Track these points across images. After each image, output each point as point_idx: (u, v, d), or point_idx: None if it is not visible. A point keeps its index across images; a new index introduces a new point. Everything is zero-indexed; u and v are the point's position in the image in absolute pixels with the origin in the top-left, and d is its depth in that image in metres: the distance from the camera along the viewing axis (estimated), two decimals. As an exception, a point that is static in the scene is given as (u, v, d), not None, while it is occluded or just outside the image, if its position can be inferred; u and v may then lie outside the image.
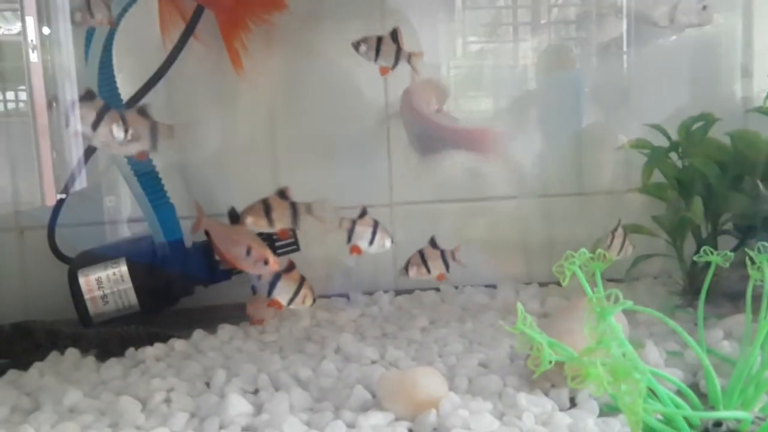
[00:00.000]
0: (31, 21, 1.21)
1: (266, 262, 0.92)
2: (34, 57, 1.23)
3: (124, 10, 1.06)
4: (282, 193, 0.98)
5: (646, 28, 1.35)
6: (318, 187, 1.29)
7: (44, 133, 1.27)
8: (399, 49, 1.03)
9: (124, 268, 1.14)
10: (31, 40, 1.23)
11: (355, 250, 1.04)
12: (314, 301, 0.97)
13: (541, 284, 1.32)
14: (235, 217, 1.05)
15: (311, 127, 1.34)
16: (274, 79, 1.34)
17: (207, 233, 1.12)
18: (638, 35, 1.38)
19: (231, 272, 1.19)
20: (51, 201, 1.28)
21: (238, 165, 1.33)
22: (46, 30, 1.23)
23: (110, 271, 1.14)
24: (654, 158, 1.14)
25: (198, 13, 1.18)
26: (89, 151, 1.21)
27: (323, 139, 1.35)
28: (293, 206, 0.99)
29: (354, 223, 1.03)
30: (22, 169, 1.30)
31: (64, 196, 1.22)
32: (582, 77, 1.42)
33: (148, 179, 1.16)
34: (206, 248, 1.18)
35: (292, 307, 0.96)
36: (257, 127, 1.34)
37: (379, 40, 1.04)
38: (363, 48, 1.04)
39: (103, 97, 1.05)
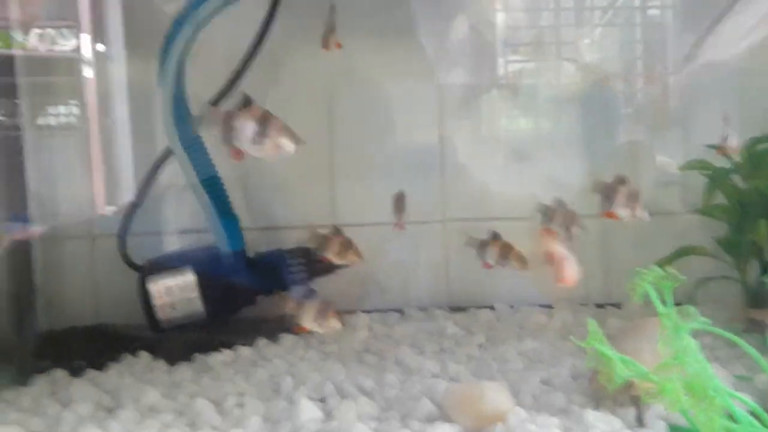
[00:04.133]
0: (86, 38, 1.29)
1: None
2: (88, 72, 1.31)
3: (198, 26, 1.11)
4: (337, 230, 1.06)
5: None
6: (372, 203, 1.33)
7: (96, 145, 1.34)
8: None
9: (191, 277, 1.19)
10: (86, 56, 1.30)
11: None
12: (341, 324, 0.96)
13: (598, 306, 1.31)
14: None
15: (367, 144, 1.38)
16: (332, 97, 1.38)
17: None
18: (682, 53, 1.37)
19: (291, 283, 1.23)
20: (102, 210, 1.35)
21: (296, 179, 1.38)
22: (100, 47, 1.30)
23: (178, 280, 1.19)
24: (716, 180, 1.13)
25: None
26: (159, 162, 1.26)
27: (378, 156, 1.38)
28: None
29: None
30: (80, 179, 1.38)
31: (130, 205, 1.28)
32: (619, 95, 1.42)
33: (214, 190, 1.21)
34: (268, 259, 1.23)
35: (319, 330, 0.95)
36: (315, 142, 1.38)
37: None
38: None
39: (179, 127, 1.12)
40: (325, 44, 1.10)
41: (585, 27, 1.44)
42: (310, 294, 0.99)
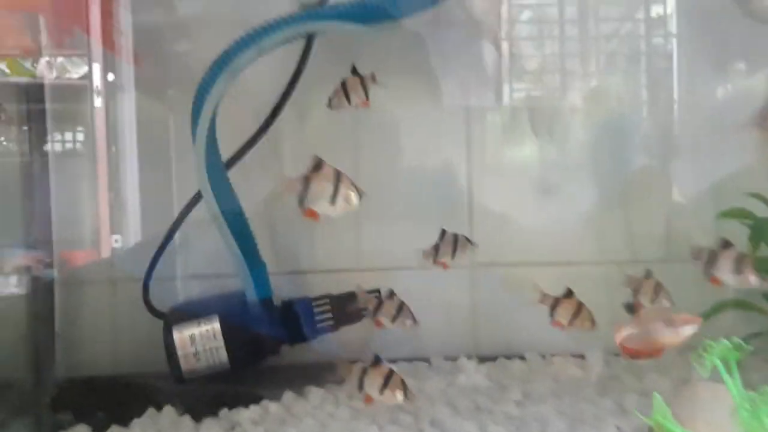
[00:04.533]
0: (97, 67, 1.29)
1: None
2: (98, 102, 1.31)
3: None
4: (391, 293, 1.06)
5: (698, 74, 1.34)
6: (397, 247, 1.31)
7: (103, 172, 1.33)
8: None
9: (216, 326, 1.15)
10: (96, 86, 1.30)
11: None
12: (406, 395, 0.93)
13: (632, 356, 1.27)
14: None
15: (392, 186, 1.36)
16: (356, 139, 1.37)
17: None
18: (691, 81, 1.36)
19: (315, 333, 1.20)
20: (106, 252, 1.33)
21: (321, 223, 1.35)
22: (110, 76, 1.31)
23: (203, 329, 1.16)
24: (760, 230, 1.10)
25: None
26: (188, 208, 1.24)
27: (405, 200, 1.36)
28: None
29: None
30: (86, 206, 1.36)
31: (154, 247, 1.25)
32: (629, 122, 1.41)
33: (243, 237, 1.19)
34: (294, 307, 1.19)
35: (383, 400, 0.93)
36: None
37: None
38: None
39: (211, 172, 1.10)
40: (338, 103, 1.09)
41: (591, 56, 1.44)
42: (376, 360, 0.95)
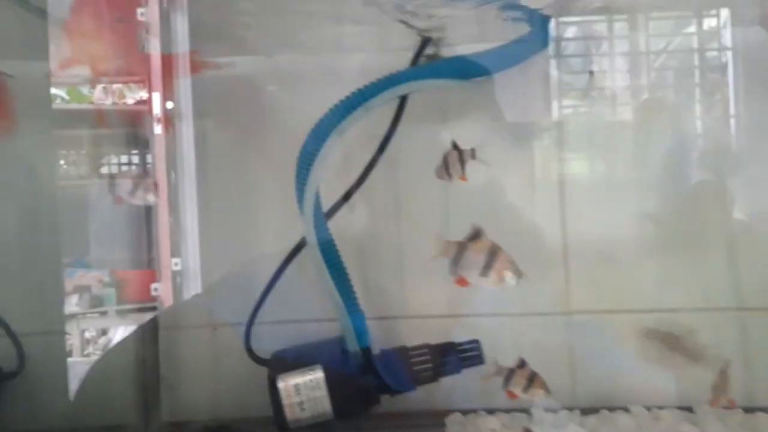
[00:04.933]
0: (157, 96, 1.34)
1: None
2: (158, 129, 1.35)
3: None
4: (522, 362, 1.09)
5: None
6: (490, 292, 1.29)
7: (163, 197, 1.37)
8: None
9: (320, 375, 1.16)
10: (156, 114, 1.35)
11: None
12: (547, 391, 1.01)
13: (746, 410, 1.21)
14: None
15: (485, 228, 1.34)
16: (447, 184, 1.37)
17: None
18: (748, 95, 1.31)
19: (417, 382, 1.19)
20: (167, 274, 1.36)
21: (413, 268, 1.35)
22: (169, 104, 1.35)
23: (308, 378, 1.17)
24: None
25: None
26: (290, 256, 1.26)
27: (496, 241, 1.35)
28: None
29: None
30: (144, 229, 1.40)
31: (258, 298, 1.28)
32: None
33: (342, 286, 1.20)
34: (394, 357, 1.19)
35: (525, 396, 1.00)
36: (429, 227, 1.31)
37: None
38: None
39: (321, 239, 1.13)
40: (441, 174, 1.11)
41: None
42: (521, 363, 1.00)
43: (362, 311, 1.22)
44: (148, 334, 1.30)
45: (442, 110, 1.33)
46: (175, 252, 1.38)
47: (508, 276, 0.92)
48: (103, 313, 1.94)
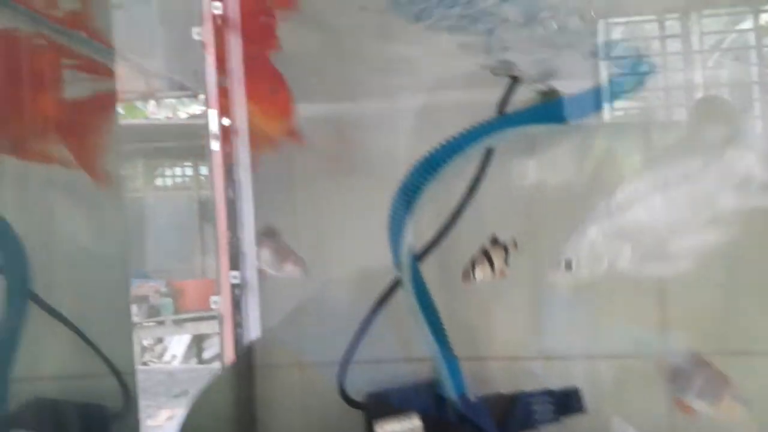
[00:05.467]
0: (213, 112, 1.36)
1: None
2: (215, 146, 1.37)
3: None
4: None
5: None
6: (580, 333, 1.29)
7: (222, 211, 1.39)
8: None
9: (418, 424, 1.19)
10: (213, 131, 1.36)
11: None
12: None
13: None
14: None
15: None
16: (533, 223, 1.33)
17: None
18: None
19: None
20: (226, 287, 1.38)
21: (499, 306, 1.32)
22: (225, 121, 1.36)
23: (405, 426, 1.19)
24: None
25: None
26: (384, 296, 1.25)
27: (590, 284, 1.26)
28: None
29: None
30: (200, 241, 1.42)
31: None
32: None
33: (437, 329, 1.22)
34: (490, 404, 1.22)
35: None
36: (517, 266, 1.24)
37: None
38: None
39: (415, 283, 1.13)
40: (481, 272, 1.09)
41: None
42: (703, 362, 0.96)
43: (456, 356, 1.24)
44: (243, 374, 1.32)
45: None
46: (234, 265, 1.40)
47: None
48: (160, 323, 1.98)
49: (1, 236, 1.18)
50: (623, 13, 1.33)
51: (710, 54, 1.40)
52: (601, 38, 1.25)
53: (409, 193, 1.09)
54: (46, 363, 1.36)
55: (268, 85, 1.36)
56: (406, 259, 1.13)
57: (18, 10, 1.26)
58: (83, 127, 1.35)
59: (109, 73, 1.34)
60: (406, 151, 1.24)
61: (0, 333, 1.16)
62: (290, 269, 1.29)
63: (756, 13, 1.39)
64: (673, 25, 1.38)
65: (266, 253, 1.29)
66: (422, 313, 1.16)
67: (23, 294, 1.24)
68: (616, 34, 1.33)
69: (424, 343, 1.18)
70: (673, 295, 1.26)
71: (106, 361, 1.29)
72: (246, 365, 1.34)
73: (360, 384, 1.28)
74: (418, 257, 1.23)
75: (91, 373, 1.35)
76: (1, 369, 1.15)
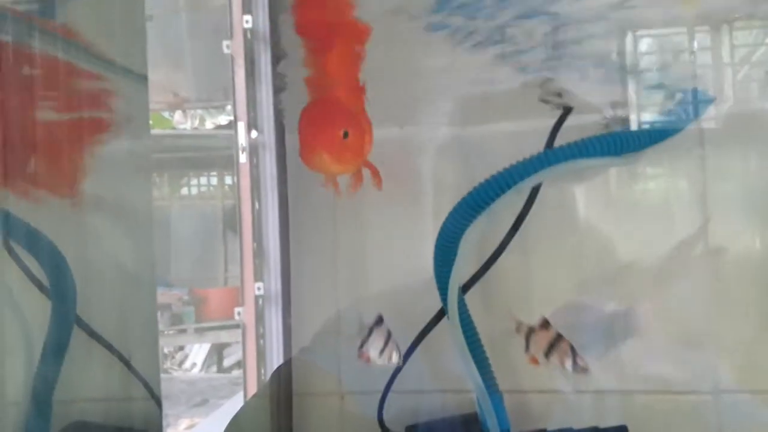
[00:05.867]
0: (242, 126, 1.35)
1: None
2: (243, 158, 1.36)
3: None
4: None
5: None
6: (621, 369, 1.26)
7: (248, 221, 1.38)
8: None
9: (458, 457, 1.19)
10: (241, 144, 1.36)
11: None
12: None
13: None
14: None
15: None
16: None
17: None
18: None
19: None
20: (250, 296, 1.37)
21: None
22: (254, 134, 1.34)
23: (446, 459, 1.19)
24: None
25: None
26: (426, 329, 1.23)
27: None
28: None
29: None
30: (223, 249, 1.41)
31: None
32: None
33: (482, 364, 1.20)
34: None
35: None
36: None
37: None
38: None
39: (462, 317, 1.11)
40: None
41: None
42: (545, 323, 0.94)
43: (501, 392, 1.21)
44: (282, 403, 1.31)
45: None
46: (258, 276, 1.40)
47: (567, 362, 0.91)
48: (182, 331, 1.97)
49: (50, 259, 1.15)
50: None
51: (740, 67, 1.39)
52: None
53: (453, 235, 1.07)
54: (83, 385, 1.35)
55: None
56: (452, 292, 1.11)
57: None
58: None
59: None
60: (452, 175, 1.22)
61: (46, 356, 1.15)
62: (394, 358, 1.28)
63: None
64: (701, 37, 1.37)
65: (376, 341, 1.26)
66: (468, 347, 1.15)
67: (69, 317, 1.22)
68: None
69: (467, 376, 1.16)
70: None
71: (146, 386, 1.28)
72: (286, 393, 1.32)
73: (399, 415, 1.27)
74: (464, 289, 1.21)
75: (126, 396, 1.34)
76: (45, 392, 1.13)
